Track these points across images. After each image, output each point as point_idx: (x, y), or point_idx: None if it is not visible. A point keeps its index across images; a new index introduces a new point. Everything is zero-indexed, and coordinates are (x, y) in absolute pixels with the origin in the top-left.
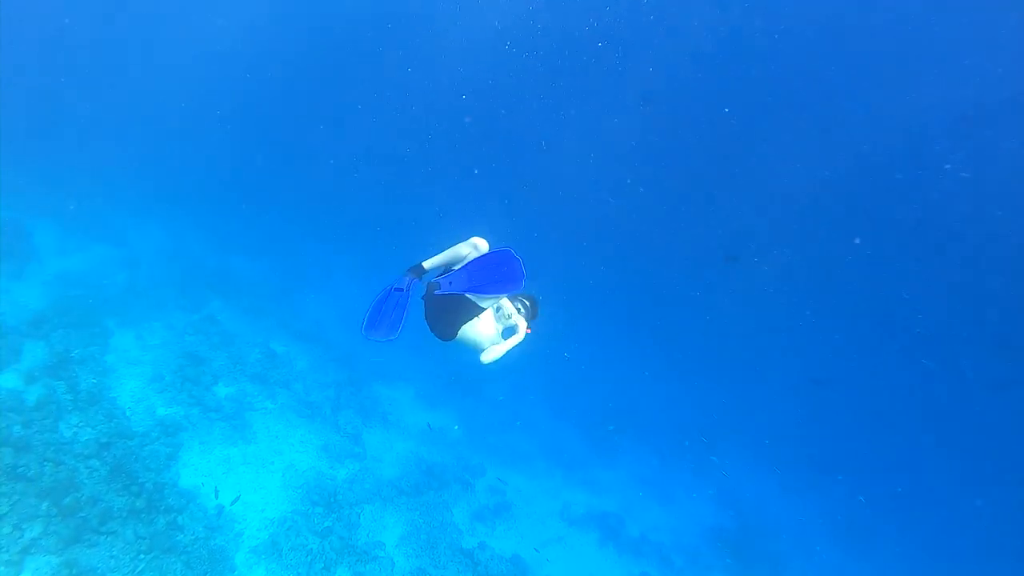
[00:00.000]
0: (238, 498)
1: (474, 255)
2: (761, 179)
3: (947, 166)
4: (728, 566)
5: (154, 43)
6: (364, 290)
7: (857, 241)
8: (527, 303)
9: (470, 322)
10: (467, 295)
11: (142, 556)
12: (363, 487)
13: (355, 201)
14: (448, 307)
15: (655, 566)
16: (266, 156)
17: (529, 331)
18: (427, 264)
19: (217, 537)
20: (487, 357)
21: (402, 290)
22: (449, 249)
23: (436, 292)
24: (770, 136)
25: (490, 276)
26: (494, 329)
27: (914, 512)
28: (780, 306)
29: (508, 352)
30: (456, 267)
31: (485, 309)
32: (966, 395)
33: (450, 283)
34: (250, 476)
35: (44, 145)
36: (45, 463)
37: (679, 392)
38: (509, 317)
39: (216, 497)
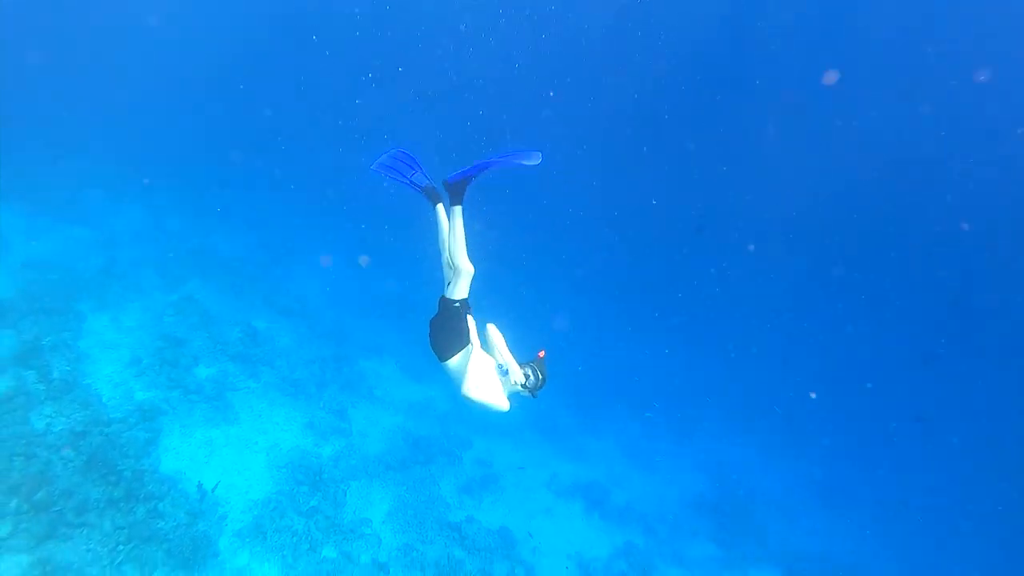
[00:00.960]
0: (217, 484)
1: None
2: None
3: None
4: (711, 532)
5: (127, 16)
6: (348, 265)
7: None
8: (535, 375)
9: (461, 353)
10: (467, 310)
11: (121, 547)
12: (349, 464)
13: (338, 177)
14: (444, 324)
15: (639, 534)
16: (245, 132)
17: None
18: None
19: (199, 523)
20: (472, 392)
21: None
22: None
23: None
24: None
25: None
26: (489, 379)
27: (891, 474)
28: (760, 275)
29: (490, 404)
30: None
31: (471, 343)
32: (938, 357)
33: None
34: (233, 458)
35: (8, 124)
36: (15, 458)
37: (661, 361)
38: (513, 383)
39: (199, 488)
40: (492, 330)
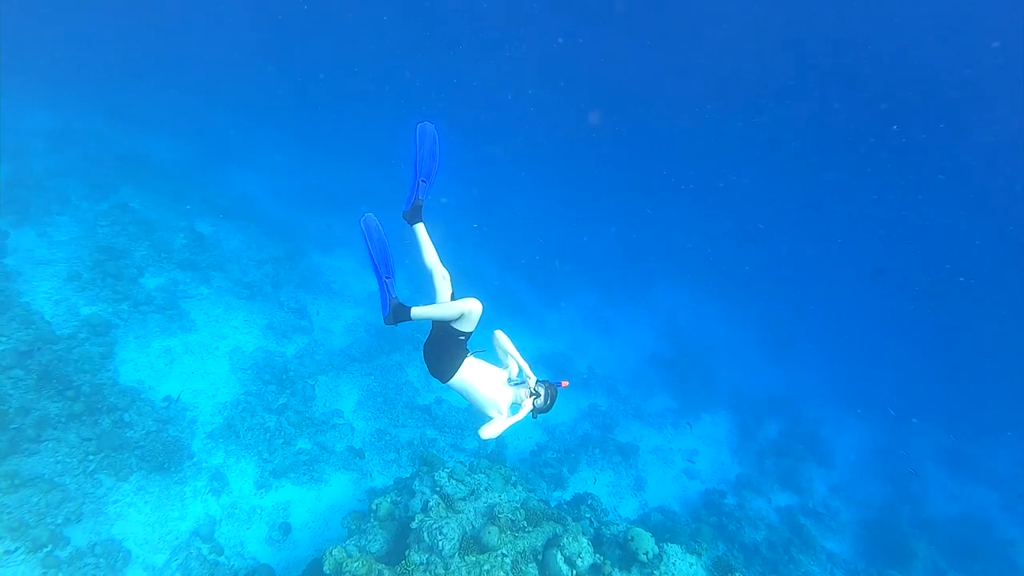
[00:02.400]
0: (182, 391)
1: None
2: None
3: None
4: (667, 385)
5: None
6: (294, 160)
7: None
8: (545, 393)
9: (463, 367)
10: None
11: (91, 457)
12: (314, 359)
13: (277, 72)
14: (437, 345)
15: (602, 396)
16: (169, 23)
17: (535, 416)
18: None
19: (169, 429)
20: (486, 433)
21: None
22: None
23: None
24: None
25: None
26: (495, 390)
27: (836, 321)
28: (702, 138)
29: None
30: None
31: (467, 352)
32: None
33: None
34: (195, 365)
35: None
36: None
37: (616, 231)
38: (521, 396)
39: (165, 397)
40: (500, 337)
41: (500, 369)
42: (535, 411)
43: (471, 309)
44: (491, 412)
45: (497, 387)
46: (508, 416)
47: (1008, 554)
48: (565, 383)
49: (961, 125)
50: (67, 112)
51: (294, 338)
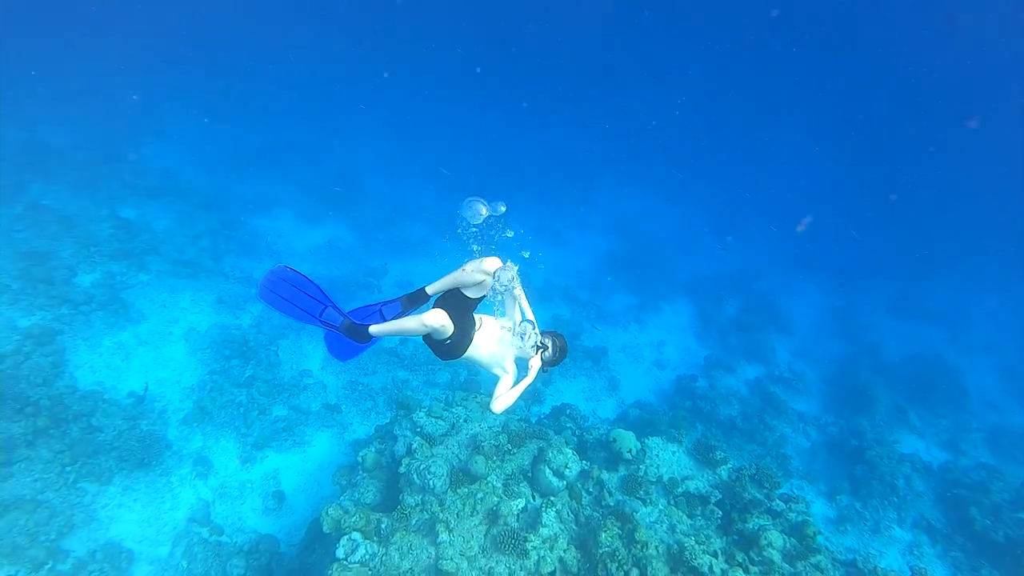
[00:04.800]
0: (147, 383)
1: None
2: None
3: None
4: (626, 284)
5: None
6: (212, 123)
7: None
8: (553, 344)
9: (471, 345)
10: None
11: (68, 468)
12: (272, 325)
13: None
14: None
15: (564, 305)
16: None
17: (545, 370)
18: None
19: (141, 424)
20: (498, 407)
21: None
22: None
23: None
24: None
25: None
26: (498, 346)
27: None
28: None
29: (519, 397)
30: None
31: (475, 328)
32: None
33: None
34: (152, 354)
35: None
36: None
37: (556, 137)
38: (525, 348)
39: (130, 394)
40: (506, 272)
41: (500, 319)
42: (545, 365)
43: (440, 325)
44: (495, 371)
45: (500, 341)
46: (516, 380)
47: (957, 381)
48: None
49: None
50: None
51: (247, 308)
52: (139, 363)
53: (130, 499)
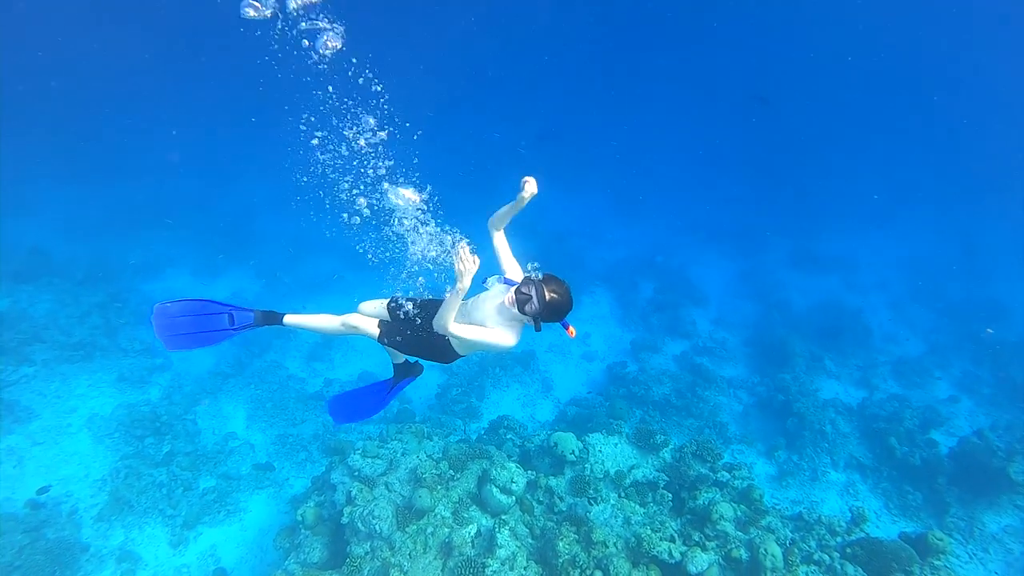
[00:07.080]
0: (48, 486)
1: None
2: None
3: None
4: None
5: None
6: (79, 197)
7: None
8: (536, 293)
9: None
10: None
11: None
12: (183, 393)
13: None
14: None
15: None
16: None
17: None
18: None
19: (47, 532)
20: (449, 325)
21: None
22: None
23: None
24: None
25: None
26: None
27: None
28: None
29: (479, 340)
30: None
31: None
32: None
33: None
34: (51, 453)
35: None
36: None
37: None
38: (507, 303)
39: (28, 503)
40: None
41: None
42: (534, 319)
43: (356, 326)
44: (489, 338)
45: (487, 306)
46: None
47: (861, 320)
48: (571, 330)
49: None
50: None
51: (153, 380)
52: (35, 466)
53: None
